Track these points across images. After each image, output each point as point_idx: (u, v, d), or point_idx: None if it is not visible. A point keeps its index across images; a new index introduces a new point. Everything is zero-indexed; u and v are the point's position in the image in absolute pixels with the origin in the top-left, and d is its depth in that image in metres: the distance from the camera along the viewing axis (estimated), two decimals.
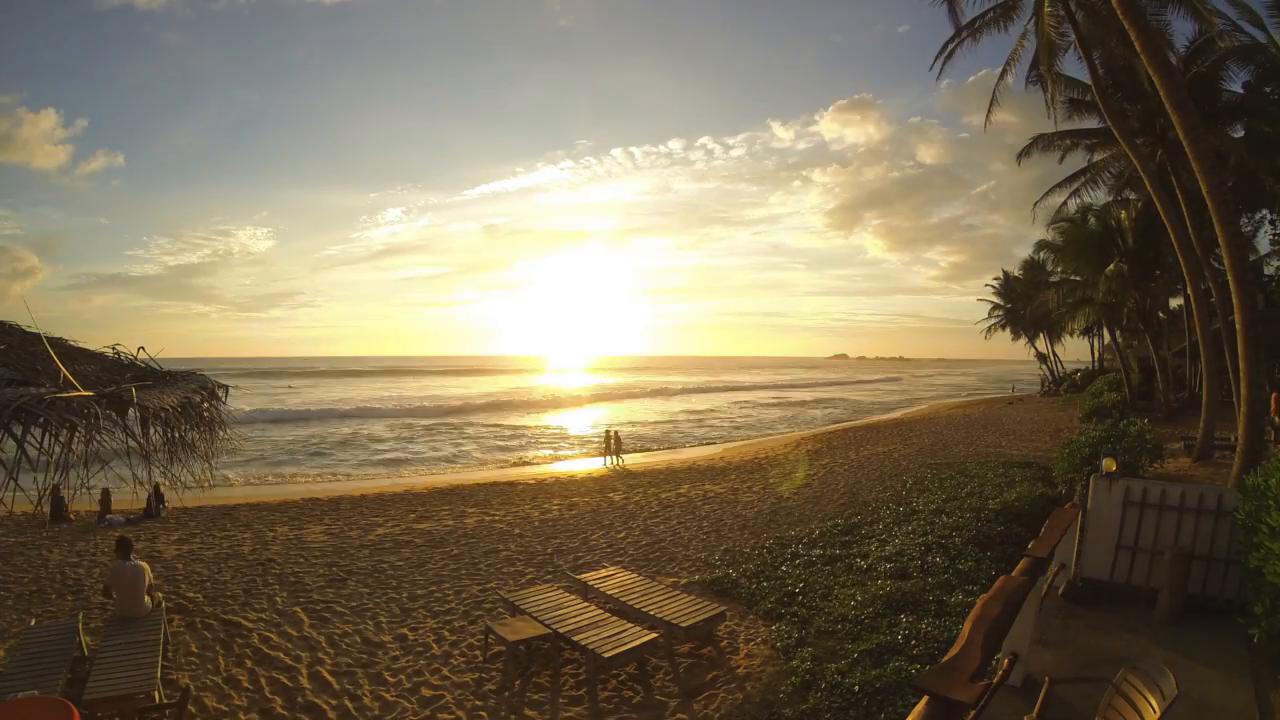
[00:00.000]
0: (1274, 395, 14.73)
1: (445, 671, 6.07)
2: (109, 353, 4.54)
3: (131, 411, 3.45)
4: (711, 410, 45.07)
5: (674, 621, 6.32)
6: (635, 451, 23.24)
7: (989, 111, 17.32)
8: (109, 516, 11.39)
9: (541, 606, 6.63)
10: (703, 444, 26.65)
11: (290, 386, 68.15)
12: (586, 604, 6.88)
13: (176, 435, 4.02)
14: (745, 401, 53.73)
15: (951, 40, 16.03)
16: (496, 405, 45.88)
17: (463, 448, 25.56)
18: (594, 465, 19.54)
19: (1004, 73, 16.55)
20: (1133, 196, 23.25)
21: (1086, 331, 41.45)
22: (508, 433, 30.69)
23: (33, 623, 6.59)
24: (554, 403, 51.09)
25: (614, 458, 19.42)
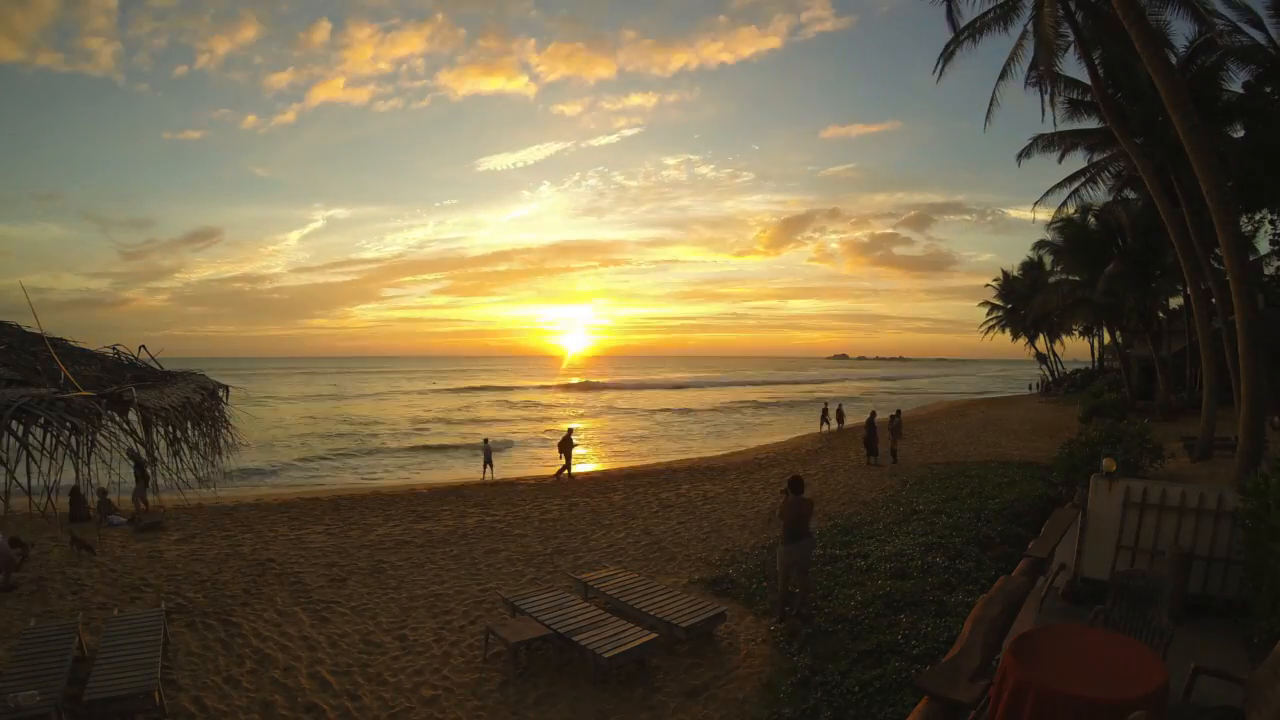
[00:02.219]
0: None
1: (445, 671, 6.07)
2: (109, 353, 4.53)
3: (133, 411, 3.45)
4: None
5: (674, 621, 6.33)
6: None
7: (989, 113, 17.29)
8: (110, 516, 11.40)
9: (542, 607, 6.63)
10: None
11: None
12: (587, 604, 6.88)
13: (179, 434, 4.02)
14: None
15: (952, 42, 16.02)
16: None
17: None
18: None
19: (1004, 73, 16.54)
20: (1133, 196, 23.23)
21: (1086, 331, 41.48)
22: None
23: (33, 623, 6.59)
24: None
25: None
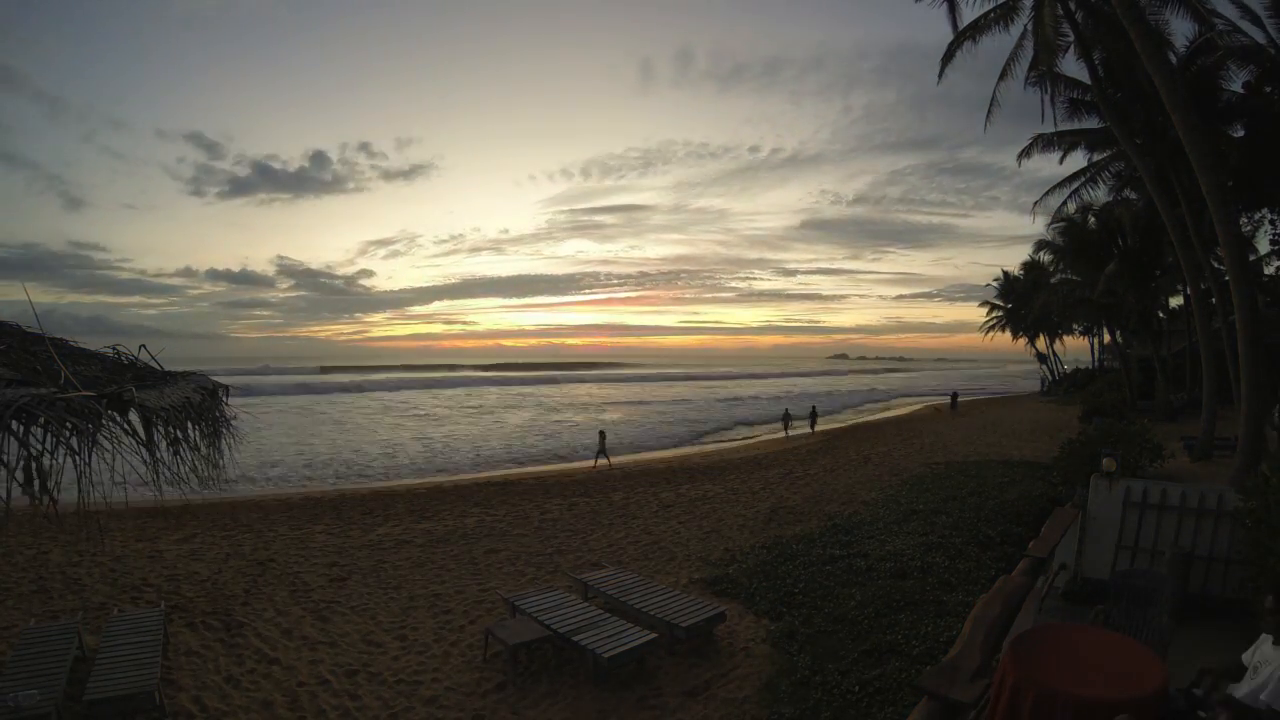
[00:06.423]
0: None
1: (445, 671, 6.07)
2: (109, 353, 4.54)
3: (133, 411, 3.46)
4: None
5: (674, 621, 6.33)
6: None
7: (989, 113, 17.27)
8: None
9: (542, 607, 6.64)
10: None
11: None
12: (586, 604, 6.89)
13: (179, 434, 4.03)
14: None
15: (953, 43, 16.01)
16: None
17: None
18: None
19: (1004, 73, 16.53)
20: (1133, 196, 23.23)
21: (1086, 331, 41.53)
22: None
23: (33, 623, 6.59)
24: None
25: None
